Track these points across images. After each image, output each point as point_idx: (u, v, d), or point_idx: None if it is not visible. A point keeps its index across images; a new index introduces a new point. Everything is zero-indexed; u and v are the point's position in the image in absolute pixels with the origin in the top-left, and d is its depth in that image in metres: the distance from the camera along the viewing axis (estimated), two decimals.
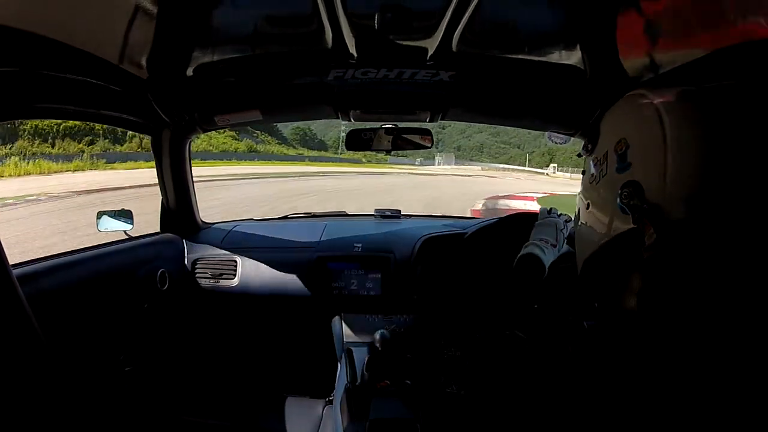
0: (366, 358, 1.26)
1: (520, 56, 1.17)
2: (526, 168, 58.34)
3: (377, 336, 1.52)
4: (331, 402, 1.47)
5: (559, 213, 1.22)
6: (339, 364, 1.53)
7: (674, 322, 0.49)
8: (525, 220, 1.46)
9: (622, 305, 0.55)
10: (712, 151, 0.50)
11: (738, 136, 0.50)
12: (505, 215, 1.51)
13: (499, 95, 1.38)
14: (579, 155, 0.71)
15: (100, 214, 1.52)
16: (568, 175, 44.42)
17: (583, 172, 0.68)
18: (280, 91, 1.40)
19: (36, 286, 1.03)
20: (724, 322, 0.48)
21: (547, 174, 47.16)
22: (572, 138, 1.57)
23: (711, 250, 0.49)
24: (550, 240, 1.10)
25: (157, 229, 1.71)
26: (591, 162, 0.64)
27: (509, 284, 1.39)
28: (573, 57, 1.14)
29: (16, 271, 0.65)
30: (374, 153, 2.66)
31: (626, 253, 0.54)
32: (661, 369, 0.47)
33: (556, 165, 53.05)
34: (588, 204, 0.63)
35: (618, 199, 0.54)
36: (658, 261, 0.51)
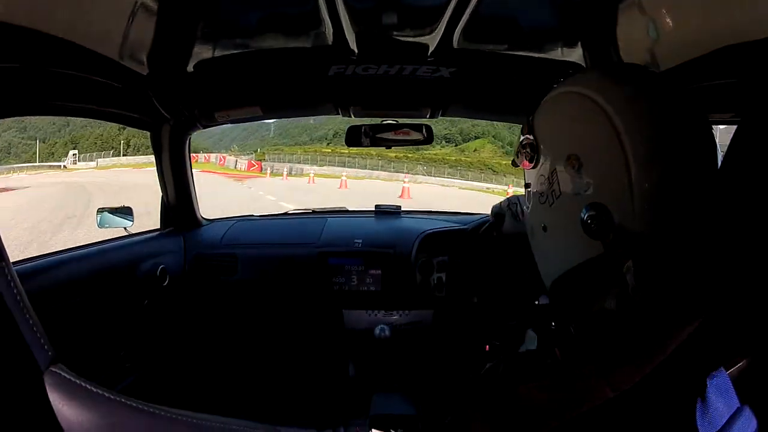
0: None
1: (520, 53, 1.16)
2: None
3: (377, 331, 1.53)
4: (331, 399, 1.48)
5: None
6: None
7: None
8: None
9: (601, 307, 0.52)
10: (681, 160, 0.46)
11: (703, 136, 0.47)
12: None
13: (500, 91, 1.38)
14: (514, 164, 0.62)
15: (100, 211, 1.52)
16: (93, 164, 39.11)
17: (527, 185, 0.60)
18: (281, 87, 1.39)
19: (36, 283, 1.04)
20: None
21: (64, 166, 38.44)
22: None
23: (694, 266, 0.46)
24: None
25: None
26: (535, 178, 0.56)
27: (511, 280, 1.40)
28: (573, 53, 1.14)
29: (16, 268, 0.65)
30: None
31: (601, 274, 0.50)
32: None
33: (76, 152, 45.63)
34: (544, 226, 0.56)
35: (581, 227, 0.49)
36: (641, 282, 0.46)
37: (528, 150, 0.57)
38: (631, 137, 0.46)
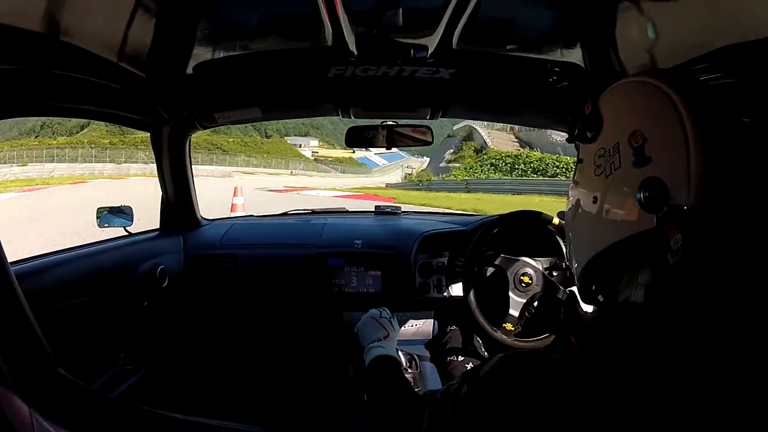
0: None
1: (520, 53, 1.16)
2: None
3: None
4: (332, 399, 1.47)
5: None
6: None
7: (687, 320, 0.49)
8: (527, 217, 1.47)
9: (628, 297, 0.54)
10: (734, 150, 0.49)
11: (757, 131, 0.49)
12: (507, 213, 1.51)
13: (500, 92, 1.38)
14: (568, 141, 0.65)
15: (99, 211, 1.51)
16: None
17: (579, 161, 0.64)
18: (280, 88, 1.39)
19: (35, 284, 1.04)
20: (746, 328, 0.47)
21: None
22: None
23: (741, 254, 0.48)
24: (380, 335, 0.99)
25: None
26: (594, 152, 0.60)
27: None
28: (573, 54, 1.14)
29: (14, 268, 0.65)
30: None
31: (645, 253, 0.52)
32: (668, 363, 0.46)
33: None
34: (595, 198, 0.58)
35: (640, 197, 0.51)
36: (686, 265, 0.49)
37: (590, 125, 0.60)
38: (693, 120, 0.49)
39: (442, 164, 31.96)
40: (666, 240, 0.49)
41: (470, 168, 27.27)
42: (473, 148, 30.62)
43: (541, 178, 21.53)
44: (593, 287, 0.61)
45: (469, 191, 19.14)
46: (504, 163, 25.80)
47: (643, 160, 0.52)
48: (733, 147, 0.49)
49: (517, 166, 24.87)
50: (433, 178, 27.17)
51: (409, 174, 38.63)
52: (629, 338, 0.49)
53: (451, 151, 32.88)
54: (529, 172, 23.72)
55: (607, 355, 0.48)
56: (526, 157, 25.13)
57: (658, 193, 0.50)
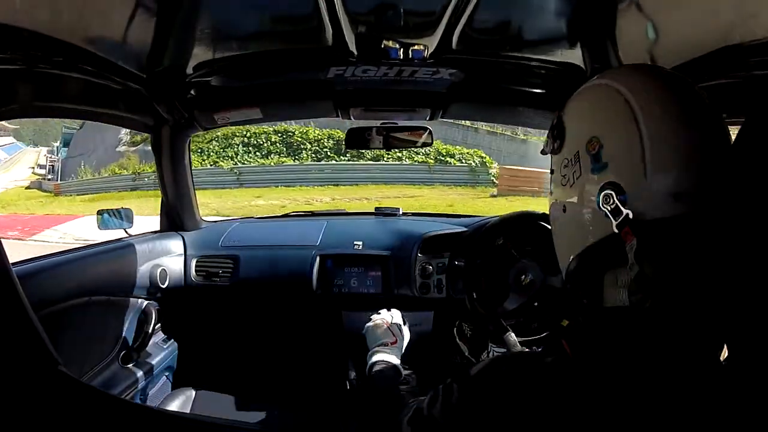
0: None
1: (520, 54, 1.17)
2: None
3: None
4: (332, 399, 1.47)
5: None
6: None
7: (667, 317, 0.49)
8: (527, 218, 1.47)
9: (614, 301, 0.54)
10: (693, 143, 0.49)
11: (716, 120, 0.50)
12: (506, 214, 1.51)
13: (500, 93, 1.38)
14: (543, 153, 0.66)
15: (100, 213, 1.52)
16: None
17: (551, 171, 0.65)
18: (280, 89, 1.40)
19: (37, 284, 1.04)
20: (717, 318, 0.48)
21: None
22: None
23: (697, 248, 0.49)
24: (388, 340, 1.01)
25: None
26: (560, 162, 0.61)
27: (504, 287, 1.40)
28: (573, 55, 1.14)
29: (16, 269, 0.65)
30: None
31: (610, 256, 0.53)
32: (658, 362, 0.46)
33: None
34: (564, 207, 0.60)
35: (599, 202, 0.52)
36: (644, 263, 0.49)
37: (555, 136, 0.61)
38: (647, 119, 0.50)
39: (120, 148, 19.22)
40: (623, 243, 0.50)
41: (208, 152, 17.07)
42: None
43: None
44: (579, 292, 0.61)
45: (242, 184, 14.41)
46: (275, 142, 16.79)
47: (600, 167, 0.53)
48: (695, 139, 0.49)
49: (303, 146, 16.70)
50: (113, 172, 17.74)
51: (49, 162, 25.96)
52: (617, 343, 0.49)
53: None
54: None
55: (596, 360, 0.48)
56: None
57: (615, 197, 0.51)
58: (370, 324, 1.02)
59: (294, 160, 16.10)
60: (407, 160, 15.18)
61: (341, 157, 15.84)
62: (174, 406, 1.54)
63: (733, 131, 0.52)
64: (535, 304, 1.35)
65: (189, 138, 1.61)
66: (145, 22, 0.93)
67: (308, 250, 1.65)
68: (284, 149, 16.24)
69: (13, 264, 0.75)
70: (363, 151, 15.15)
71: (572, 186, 0.57)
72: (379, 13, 0.97)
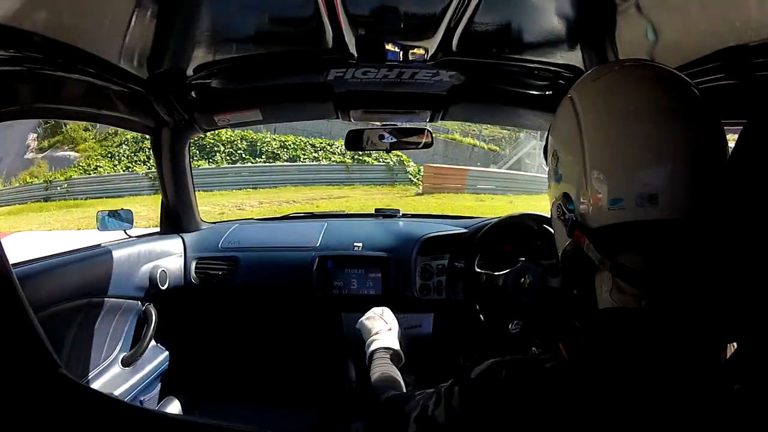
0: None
1: (520, 56, 1.17)
2: None
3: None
4: (331, 401, 1.47)
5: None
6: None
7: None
8: (528, 219, 1.47)
9: (601, 301, 0.55)
10: (635, 149, 0.48)
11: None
12: (506, 215, 1.51)
13: (500, 95, 1.38)
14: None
15: (100, 214, 1.52)
16: None
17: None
18: (280, 91, 1.40)
19: (37, 285, 1.03)
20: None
21: None
22: None
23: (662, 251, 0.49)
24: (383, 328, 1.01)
25: None
26: (549, 171, 0.63)
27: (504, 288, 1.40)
28: (573, 57, 1.14)
29: (16, 270, 0.65)
30: None
31: (584, 258, 0.53)
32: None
33: None
34: (552, 209, 0.62)
35: (560, 209, 0.55)
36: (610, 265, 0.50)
37: (545, 151, 0.63)
38: (586, 123, 0.51)
39: (28, 155, 16.62)
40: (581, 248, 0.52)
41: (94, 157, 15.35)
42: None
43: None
44: (576, 293, 0.63)
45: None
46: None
47: (558, 177, 0.56)
48: (642, 143, 0.48)
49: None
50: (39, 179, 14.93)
51: None
52: (609, 345, 0.48)
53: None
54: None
55: (591, 363, 0.48)
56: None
57: (566, 207, 0.53)
58: (363, 319, 1.03)
59: (209, 163, 14.99)
60: (324, 160, 14.89)
61: (256, 159, 15.17)
62: (174, 408, 1.53)
63: (733, 133, 0.52)
64: (536, 305, 1.35)
65: (189, 140, 1.61)
66: (145, 24, 0.93)
67: (308, 252, 1.65)
68: (197, 152, 14.88)
69: (14, 265, 0.75)
70: (277, 152, 14.80)
71: (549, 193, 0.61)
72: (380, 15, 0.98)
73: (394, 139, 1.58)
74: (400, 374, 0.85)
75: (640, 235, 0.48)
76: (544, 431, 0.47)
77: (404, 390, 0.78)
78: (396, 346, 0.94)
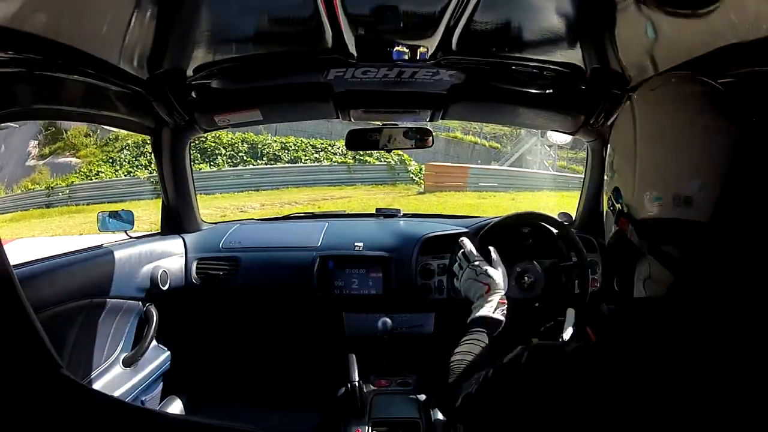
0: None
1: (520, 55, 1.17)
2: None
3: (379, 325, 1.51)
4: (333, 401, 1.47)
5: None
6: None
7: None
8: (529, 218, 1.47)
9: (642, 290, 0.59)
10: (682, 153, 0.53)
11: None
12: (507, 215, 1.51)
13: (500, 94, 1.38)
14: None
15: (100, 215, 1.52)
16: None
17: None
18: (280, 91, 1.40)
19: (38, 286, 1.04)
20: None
21: None
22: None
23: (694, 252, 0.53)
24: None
25: None
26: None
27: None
28: (572, 56, 1.14)
29: (17, 271, 0.65)
30: None
31: (628, 248, 0.58)
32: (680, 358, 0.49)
33: None
34: (605, 201, 0.68)
35: (611, 203, 0.61)
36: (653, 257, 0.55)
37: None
38: (641, 128, 0.57)
39: (29, 162, 16.14)
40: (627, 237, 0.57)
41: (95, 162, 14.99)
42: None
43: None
44: (614, 281, 0.68)
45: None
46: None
47: (612, 173, 0.62)
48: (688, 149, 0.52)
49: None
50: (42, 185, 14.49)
51: None
52: (643, 330, 0.53)
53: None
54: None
55: (621, 345, 0.52)
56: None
57: (617, 200, 0.59)
58: (463, 282, 1.04)
59: (211, 167, 14.77)
60: (325, 161, 14.70)
61: (257, 161, 14.97)
62: (176, 408, 1.53)
63: None
64: (536, 305, 1.35)
65: (189, 140, 1.61)
66: (145, 25, 0.93)
67: (309, 252, 1.65)
68: (198, 156, 14.67)
69: (15, 266, 0.75)
70: (278, 153, 14.70)
71: (605, 193, 0.65)
72: (379, 14, 0.97)
73: (395, 139, 1.58)
74: (482, 349, 0.89)
75: (676, 230, 0.53)
76: (571, 404, 0.52)
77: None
78: (490, 312, 0.94)
